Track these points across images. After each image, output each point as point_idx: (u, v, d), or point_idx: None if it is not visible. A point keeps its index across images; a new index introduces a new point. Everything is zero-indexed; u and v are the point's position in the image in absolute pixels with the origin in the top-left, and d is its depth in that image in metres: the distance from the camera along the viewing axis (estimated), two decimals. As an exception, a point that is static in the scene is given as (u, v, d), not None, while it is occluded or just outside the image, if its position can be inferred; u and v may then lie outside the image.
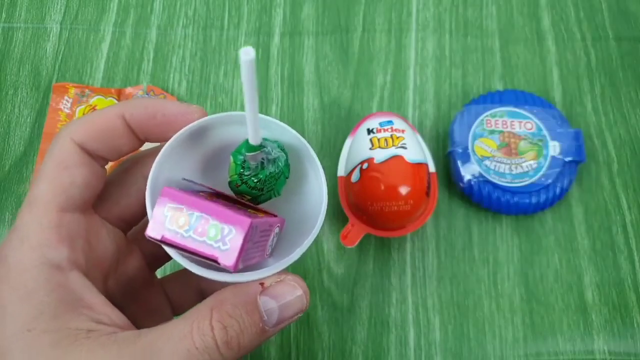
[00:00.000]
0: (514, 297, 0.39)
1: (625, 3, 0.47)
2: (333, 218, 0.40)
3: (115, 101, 0.42)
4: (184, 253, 0.20)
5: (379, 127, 0.37)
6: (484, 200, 0.39)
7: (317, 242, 0.40)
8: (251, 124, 0.20)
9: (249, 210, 0.22)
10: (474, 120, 0.40)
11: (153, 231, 0.19)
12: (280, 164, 0.22)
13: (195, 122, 0.22)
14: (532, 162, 0.39)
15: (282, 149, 0.23)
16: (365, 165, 0.36)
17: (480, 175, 0.39)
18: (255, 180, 0.22)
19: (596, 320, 0.38)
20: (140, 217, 0.25)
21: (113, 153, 0.23)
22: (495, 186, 0.39)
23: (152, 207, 0.21)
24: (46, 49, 0.44)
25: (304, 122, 0.42)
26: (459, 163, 0.39)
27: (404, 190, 0.35)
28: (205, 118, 0.23)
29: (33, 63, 0.44)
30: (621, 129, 0.43)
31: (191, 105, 0.23)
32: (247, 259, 0.20)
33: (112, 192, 0.24)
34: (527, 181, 0.39)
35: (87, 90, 0.42)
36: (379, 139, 0.36)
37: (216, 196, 0.22)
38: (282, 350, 0.37)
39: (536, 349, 0.37)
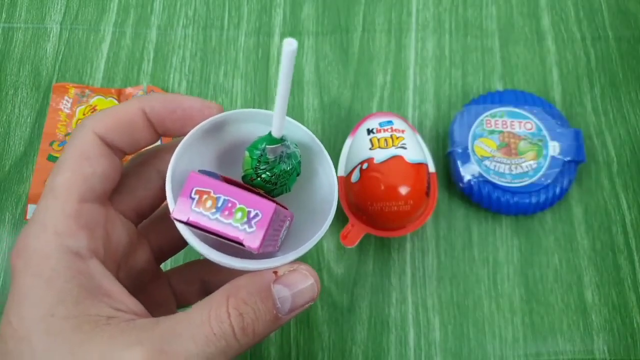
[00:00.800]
0: (513, 297, 0.39)
1: (625, 3, 0.47)
2: (333, 218, 0.40)
3: (115, 101, 0.42)
4: (201, 235, 0.20)
5: (379, 127, 0.37)
6: (484, 201, 0.39)
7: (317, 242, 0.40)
8: (279, 116, 0.21)
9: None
10: (474, 121, 0.40)
11: (179, 213, 0.20)
12: (294, 160, 0.23)
13: (215, 117, 0.23)
14: (532, 162, 0.39)
15: (296, 146, 0.23)
16: (365, 166, 0.36)
17: (480, 175, 0.39)
18: (270, 175, 0.22)
19: (596, 320, 0.38)
20: (151, 210, 0.26)
21: (132, 146, 0.23)
22: (495, 186, 0.39)
23: (173, 196, 0.21)
24: (46, 49, 0.44)
25: (304, 122, 0.42)
26: (459, 163, 0.39)
27: (404, 190, 0.35)
28: (225, 113, 0.23)
29: (33, 63, 0.44)
30: (621, 129, 0.43)
31: (210, 101, 0.24)
32: (265, 246, 0.20)
33: (127, 184, 0.25)
34: (527, 181, 0.39)
35: (87, 91, 0.42)
36: (378, 139, 0.36)
37: (235, 185, 0.22)
38: (282, 350, 0.37)
39: (536, 349, 0.37)
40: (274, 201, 0.21)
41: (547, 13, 0.46)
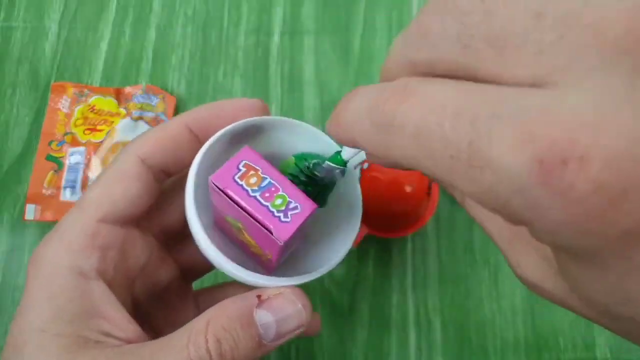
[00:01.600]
0: (515, 297, 0.38)
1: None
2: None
3: (114, 101, 0.42)
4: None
5: (380, 127, 0.37)
6: (485, 201, 0.39)
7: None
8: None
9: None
10: (475, 120, 0.40)
11: (220, 179, 0.20)
12: (336, 178, 0.22)
13: (247, 120, 0.22)
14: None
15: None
16: (365, 165, 0.35)
17: (481, 175, 0.38)
18: (304, 189, 0.22)
19: (598, 321, 0.38)
20: (180, 229, 0.26)
21: (177, 165, 0.23)
22: (496, 186, 0.38)
23: (193, 201, 0.21)
24: (45, 49, 0.44)
25: (304, 121, 0.42)
26: (460, 163, 0.39)
27: (404, 190, 0.34)
28: (258, 118, 0.23)
29: (32, 62, 0.43)
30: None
31: (254, 100, 0.23)
32: (288, 245, 0.20)
33: (159, 203, 0.25)
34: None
35: (85, 90, 0.42)
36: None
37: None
38: (282, 352, 0.37)
39: (537, 350, 0.37)
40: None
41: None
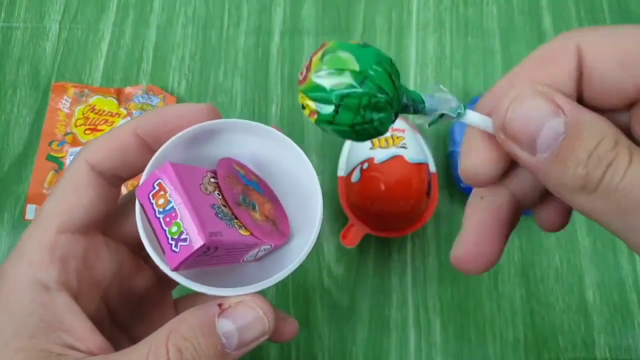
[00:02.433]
0: (514, 297, 0.38)
1: (626, 3, 0.46)
2: (333, 218, 0.40)
3: (115, 101, 0.42)
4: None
5: (380, 127, 0.37)
6: (485, 201, 0.39)
7: (317, 242, 0.39)
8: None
9: (234, 222, 0.21)
10: (475, 120, 0.40)
11: (141, 193, 0.20)
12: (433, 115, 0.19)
13: (196, 126, 0.22)
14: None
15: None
16: (365, 165, 0.36)
17: (481, 175, 0.39)
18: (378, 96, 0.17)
19: (597, 320, 0.38)
20: None
21: (127, 170, 0.23)
22: (496, 186, 0.38)
23: (140, 217, 0.21)
24: (45, 49, 0.44)
25: (304, 121, 0.42)
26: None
27: (404, 190, 0.34)
28: (207, 123, 0.22)
29: (32, 62, 0.43)
30: (622, 129, 0.43)
31: (201, 105, 0.23)
32: (200, 265, 0.20)
33: (124, 211, 0.24)
34: (527, 181, 0.38)
35: (86, 90, 0.42)
36: (379, 139, 0.36)
37: (219, 190, 0.22)
38: (282, 351, 0.37)
39: (537, 349, 0.37)
40: (218, 234, 0.20)
41: (548, 13, 0.46)
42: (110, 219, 0.24)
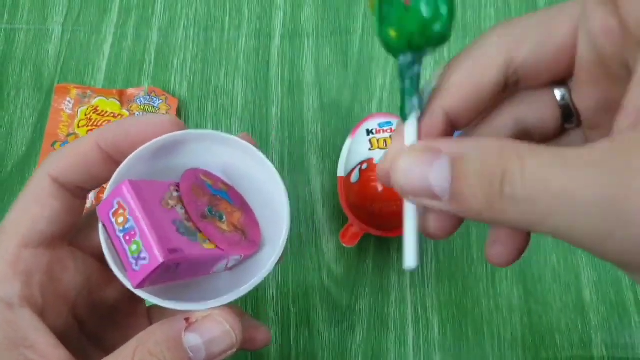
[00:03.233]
0: (512, 296, 0.39)
1: (623, 5, 0.47)
2: (333, 218, 0.40)
3: (117, 102, 0.42)
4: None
5: (378, 128, 0.37)
6: (483, 201, 0.39)
7: (317, 242, 0.40)
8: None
9: (198, 236, 0.21)
10: (473, 121, 0.40)
11: (101, 212, 0.20)
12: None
13: (158, 139, 0.22)
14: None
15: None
16: (364, 166, 0.36)
17: (479, 175, 0.39)
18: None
19: (594, 319, 0.38)
20: None
21: (90, 182, 0.23)
22: (494, 186, 0.39)
23: (103, 235, 0.21)
24: (48, 51, 0.44)
25: (304, 122, 0.43)
26: (458, 163, 0.39)
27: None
28: (170, 135, 0.22)
29: (35, 64, 0.44)
30: (619, 130, 0.43)
31: (164, 117, 0.23)
32: (166, 281, 0.20)
33: (91, 221, 0.24)
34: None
35: (88, 91, 0.42)
36: (378, 140, 0.36)
37: (182, 204, 0.22)
38: (282, 350, 0.37)
39: (534, 348, 0.38)
40: (179, 250, 0.20)
41: (545, 15, 0.47)
42: (77, 231, 0.24)
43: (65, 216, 0.22)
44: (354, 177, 0.36)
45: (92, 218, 0.24)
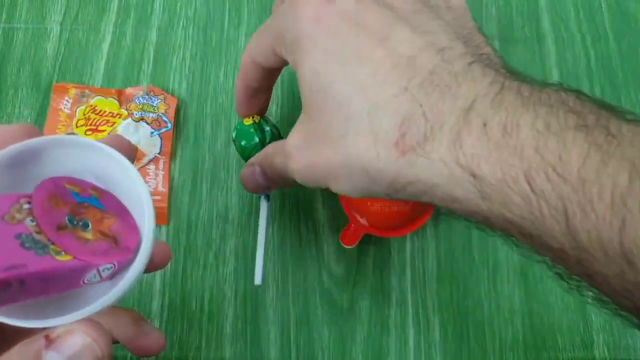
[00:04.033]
0: (513, 297, 0.39)
1: (626, 3, 0.47)
2: (333, 218, 0.40)
3: (116, 101, 0.42)
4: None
5: (379, 128, 0.37)
6: (484, 201, 0.39)
7: (317, 242, 0.40)
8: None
9: (50, 249, 0.20)
10: (474, 121, 0.40)
11: None
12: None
13: (7, 149, 0.21)
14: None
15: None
16: (365, 166, 0.36)
17: (480, 175, 0.39)
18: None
19: (596, 320, 0.38)
20: None
21: None
22: (495, 187, 0.39)
23: None
24: (46, 50, 0.44)
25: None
26: (459, 163, 0.39)
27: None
28: (20, 144, 0.21)
29: (33, 63, 0.44)
30: (621, 130, 0.43)
31: (12, 126, 0.22)
32: (17, 300, 0.19)
33: None
34: (526, 182, 0.39)
35: (87, 91, 0.42)
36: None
37: (32, 215, 0.21)
38: (282, 351, 0.37)
39: (536, 349, 0.38)
40: (21, 265, 0.18)
41: (547, 13, 0.46)
42: None
43: None
44: (354, 178, 0.36)
45: None
